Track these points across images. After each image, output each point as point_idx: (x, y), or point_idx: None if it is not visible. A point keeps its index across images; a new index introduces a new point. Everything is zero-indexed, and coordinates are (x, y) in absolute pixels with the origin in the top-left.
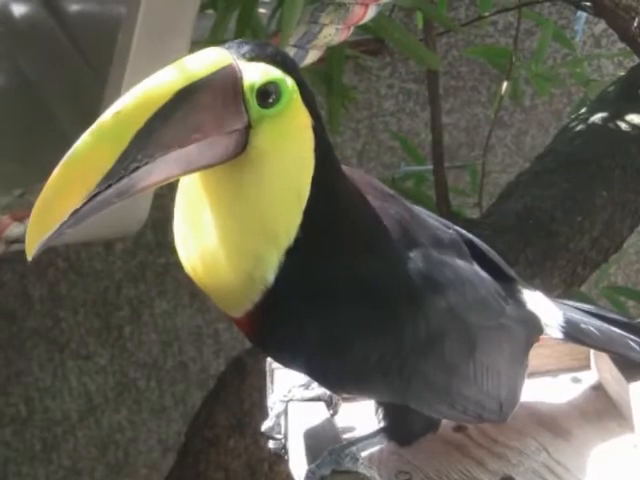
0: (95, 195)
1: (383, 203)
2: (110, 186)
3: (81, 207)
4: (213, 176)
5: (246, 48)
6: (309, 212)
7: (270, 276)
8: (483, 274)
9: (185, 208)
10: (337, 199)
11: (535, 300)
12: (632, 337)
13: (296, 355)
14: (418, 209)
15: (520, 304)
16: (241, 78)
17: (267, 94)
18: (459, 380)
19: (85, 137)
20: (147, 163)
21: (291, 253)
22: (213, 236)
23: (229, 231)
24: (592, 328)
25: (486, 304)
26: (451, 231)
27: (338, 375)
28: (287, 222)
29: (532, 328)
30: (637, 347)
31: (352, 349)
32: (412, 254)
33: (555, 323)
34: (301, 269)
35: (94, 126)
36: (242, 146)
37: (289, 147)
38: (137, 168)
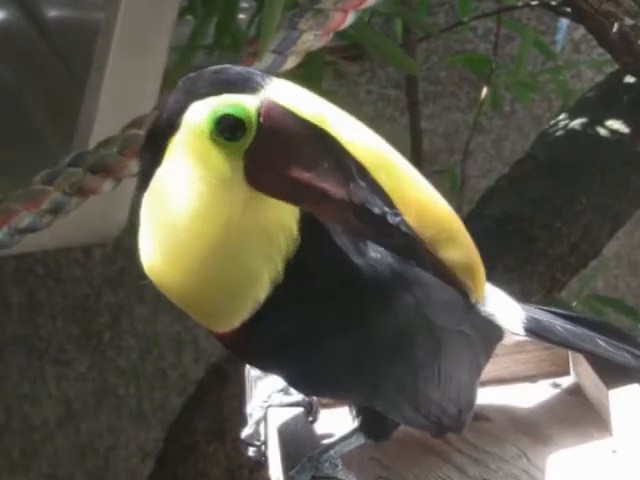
0: None
1: None
2: None
3: None
4: (218, 197)
5: (257, 77)
6: None
7: (262, 295)
8: None
9: (168, 230)
10: None
11: (497, 299)
12: (602, 337)
13: (275, 360)
14: None
15: (481, 310)
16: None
17: None
18: (424, 381)
19: None
20: None
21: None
22: (208, 255)
23: (230, 249)
24: (557, 326)
25: (449, 307)
26: None
27: (314, 377)
28: (289, 228)
29: (491, 338)
30: (604, 344)
31: (329, 350)
32: (378, 250)
33: (517, 320)
34: (286, 282)
35: None
36: None
37: None
38: None
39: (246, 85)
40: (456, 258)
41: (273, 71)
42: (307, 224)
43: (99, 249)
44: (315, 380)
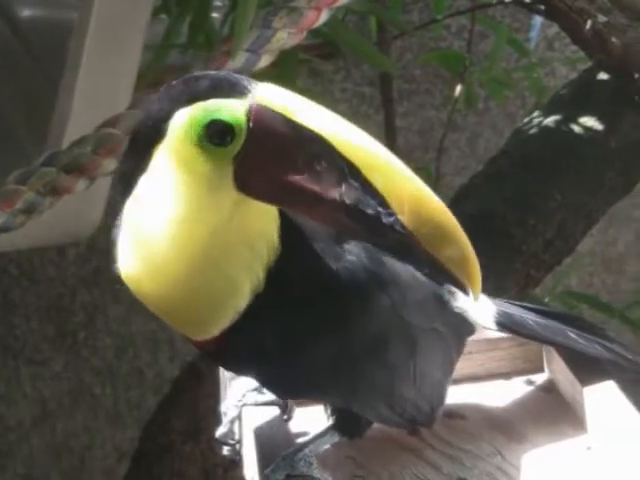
0: None
1: None
2: None
3: None
4: (205, 205)
5: (243, 81)
6: None
7: (243, 304)
8: (419, 275)
9: (152, 239)
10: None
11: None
12: (573, 330)
13: (254, 367)
14: None
15: (453, 305)
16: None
17: None
18: (400, 381)
19: None
20: None
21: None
22: (192, 266)
23: (214, 260)
24: (529, 320)
25: (423, 306)
26: None
27: (293, 382)
28: (270, 240)
29: (462, 332)
30: (575, 337)
31: (308, 357)
32: (354, 253)
33: (488, 314)
34: (266, 290)
35: None
36: None
37: None
38: None
39: (233, 90)
40: (452, 255)
41: (247, 70)
42: (286, 231)
43: (73, 249)
44: (293, 385)
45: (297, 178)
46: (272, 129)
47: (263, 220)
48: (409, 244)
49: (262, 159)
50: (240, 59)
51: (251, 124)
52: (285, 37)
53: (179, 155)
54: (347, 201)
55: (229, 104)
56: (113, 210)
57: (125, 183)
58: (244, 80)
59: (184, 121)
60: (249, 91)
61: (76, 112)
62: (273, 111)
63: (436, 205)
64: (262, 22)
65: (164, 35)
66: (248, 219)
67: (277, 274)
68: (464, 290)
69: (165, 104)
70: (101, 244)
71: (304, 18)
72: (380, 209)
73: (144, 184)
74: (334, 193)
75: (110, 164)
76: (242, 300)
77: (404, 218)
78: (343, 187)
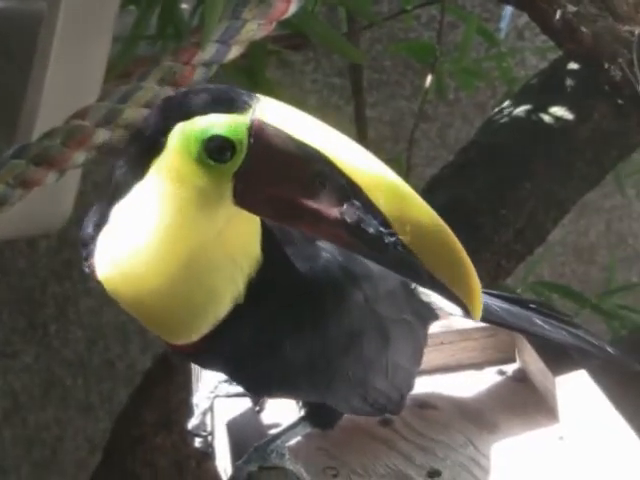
0: None
1: None
2: None
3: None
4: (198, 220)
5: (244, 96)
6: None
7: (223, 313)
8: None
9: (139, 246)
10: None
11: None
12: (539, 316)
13: (232, 370)
14: None
15: (419, 292)
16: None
17: None
18: (374, 374)
19: None
20: None
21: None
22: (176, 276)
23: (198, 271)
24: (494, 306)
25: (393, 297)
26: None
27: (269, 382)
28: (252, 251)
29: (428, 318)
30: (541, 323)
31: (286, 360)
32: (328, 250)
33: None
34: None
35: None
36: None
37: None
38: None
39: (233, 104)
40: (453, 276)
41: (217, 61)
42: (266, 239)
43: (44, 241)
44: (269, 385)
45: (298, 196)
46: (274, 146)
47: (247, 233)
48: (411, 263)
49: (263, 176)
50: (210, 50)
51: (252, 140)
52: (255, 28)
53: (177, 169)
54: (348, 220)
55: (230, 119)
56: (84, 203)
57: (115, 190)
58: (245, 95)
59: (183, 135)
60: (250, 106)
61: (45, 104)
62: (275, 127)
63: (438, 226)
64: (232, 13)
65: (133, 26)
66: (234, 233)
67: (257, 284)
68: (465, 310)
69: (164, 117)
70: (72, 236)
71: (273, 9)
72: (382, 229)
73: (137, 194)
74: (335, 212)
75: (80, 156)
76: (222, 310)
77: (406, 238)
78: (345, 206)
